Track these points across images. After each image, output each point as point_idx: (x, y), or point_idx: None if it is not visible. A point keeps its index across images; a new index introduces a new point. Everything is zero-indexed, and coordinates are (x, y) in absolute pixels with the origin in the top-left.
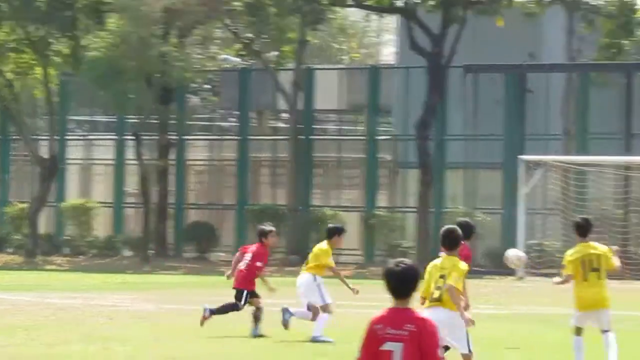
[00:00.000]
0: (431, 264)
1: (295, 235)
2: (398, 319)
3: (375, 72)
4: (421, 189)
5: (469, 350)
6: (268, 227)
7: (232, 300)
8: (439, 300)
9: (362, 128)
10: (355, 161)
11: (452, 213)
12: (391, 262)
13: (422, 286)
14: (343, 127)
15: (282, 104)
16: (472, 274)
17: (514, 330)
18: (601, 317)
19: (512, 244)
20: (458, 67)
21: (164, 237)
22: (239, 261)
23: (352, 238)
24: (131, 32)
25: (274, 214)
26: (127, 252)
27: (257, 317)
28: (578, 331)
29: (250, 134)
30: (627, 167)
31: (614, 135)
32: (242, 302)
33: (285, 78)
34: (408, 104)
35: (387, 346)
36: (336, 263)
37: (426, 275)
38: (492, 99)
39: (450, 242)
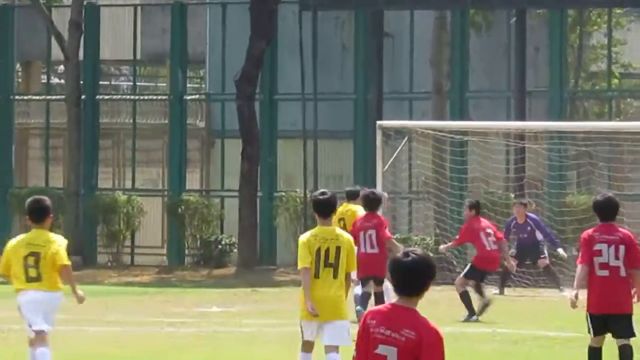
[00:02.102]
0: (15, 241)
1: (76, 228)
2: (397, 319)
3: (181, 10)
4: (245, 165)
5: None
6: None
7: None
8: (37, 280)
9: (165, 85)
10: (156, 129)
11: (289, 197)
12: (401, 251)
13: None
14: (140, 84)
15: (57, 53)
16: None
17: None
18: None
19: None
20: (292, 2)
21: None
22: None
23: (152, 232)
24: None
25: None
26: None
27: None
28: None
29: (15, 93)
30: (521, 137)
31: (502, 94)
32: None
33: (62, 18)
34: (226, 52)
35: (381, 349)
36: (132, 265)
37: (10, 255)
38: (338, 46)
39: (38, 215)
